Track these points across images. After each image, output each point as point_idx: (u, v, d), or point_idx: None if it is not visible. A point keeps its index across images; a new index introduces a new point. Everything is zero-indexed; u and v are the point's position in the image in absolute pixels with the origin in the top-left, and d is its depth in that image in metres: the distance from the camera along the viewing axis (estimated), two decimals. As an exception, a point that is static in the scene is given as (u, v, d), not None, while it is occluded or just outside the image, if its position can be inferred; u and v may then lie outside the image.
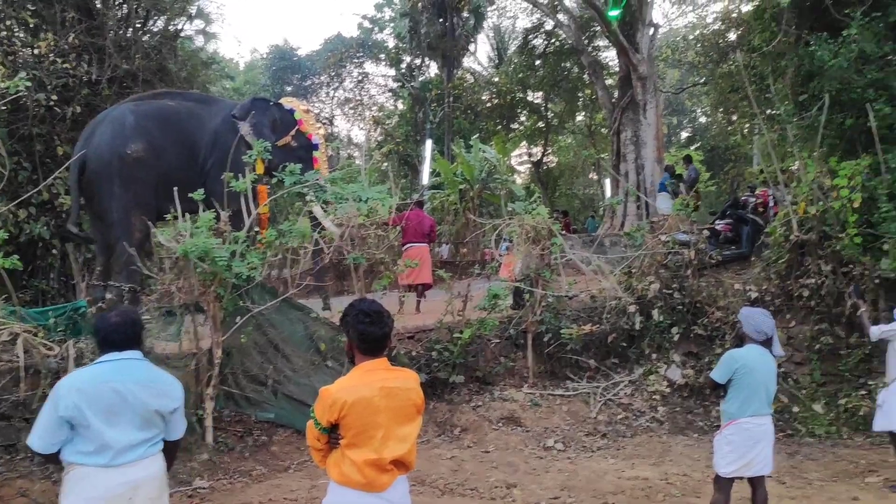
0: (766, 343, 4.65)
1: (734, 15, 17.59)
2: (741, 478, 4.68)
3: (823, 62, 8.49)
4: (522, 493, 6.15)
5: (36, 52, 10.64)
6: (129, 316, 3.26)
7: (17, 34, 11.21)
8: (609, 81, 21.44)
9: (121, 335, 3.15)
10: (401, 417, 2.96)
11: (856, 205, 8.43)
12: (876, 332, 6.49)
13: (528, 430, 7.93)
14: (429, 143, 22.05)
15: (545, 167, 31.85)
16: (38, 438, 3.01)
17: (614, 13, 13.72)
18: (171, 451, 3.30)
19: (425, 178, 20.94)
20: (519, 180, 29.92)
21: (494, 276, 9.92)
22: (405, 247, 10.82)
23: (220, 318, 6.83)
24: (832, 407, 8.46)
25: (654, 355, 9.04)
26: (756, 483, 4.68)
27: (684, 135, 38.62)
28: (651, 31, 17.46)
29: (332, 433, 2.94)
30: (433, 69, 30.21)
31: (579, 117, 31.18)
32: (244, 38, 73.22)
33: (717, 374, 4.66)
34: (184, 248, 6.45)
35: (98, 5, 11.59)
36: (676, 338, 9.05)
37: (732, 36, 18.41)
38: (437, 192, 21.12)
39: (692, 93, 32.12)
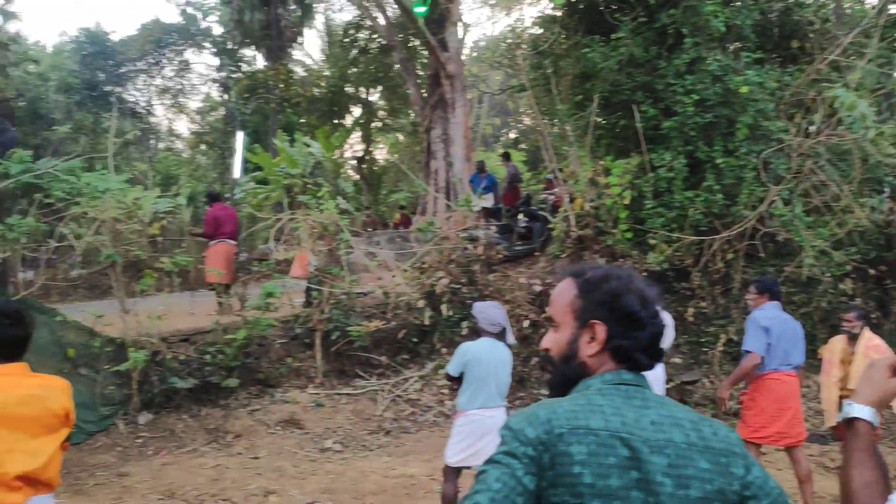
0: (500, 335, 4.68)
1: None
2: (469, 467, 4.68)
3: (595, 64, 8.89)
4: (280, 500, 5.88)
5: None
6: None
7: None
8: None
9: None
10: (34, 428, 2.66)
11: (626, 202, 8.89)
12: None
13: (308, 431, 7.65)
14: (239, 136, 21.08)
15: (370, 164, 31.50)
16: None
17: (420, 10, 13.73)
18: None
19: (237, 172, 19.99)
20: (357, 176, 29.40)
21: (276, 273, 9.49)
22: (214, 242, 10.17)
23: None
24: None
25: (444, 349, 9.03)
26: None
27: (512, 135, 39.72)
28: (460, 29, 17.70)
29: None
30: (261, 61, 28.99)
31: (409, 115, 31.03)
32: (52, 20, 66.64)
33: (451, 366, 4.65)
34: None
35: None
36: (465, 331, 9.12)
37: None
38: (261, 187, 20.07)
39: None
